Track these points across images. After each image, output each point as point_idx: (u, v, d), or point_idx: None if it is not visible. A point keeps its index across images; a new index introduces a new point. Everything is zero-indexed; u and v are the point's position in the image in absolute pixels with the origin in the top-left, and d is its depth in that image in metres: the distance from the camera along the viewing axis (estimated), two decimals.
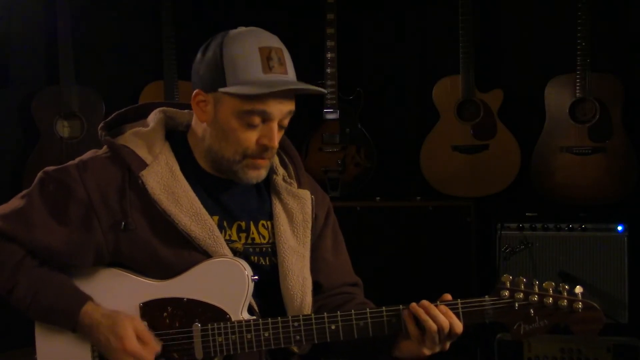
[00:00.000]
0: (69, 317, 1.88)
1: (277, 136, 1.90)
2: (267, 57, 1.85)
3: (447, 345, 1.85)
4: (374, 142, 4.14)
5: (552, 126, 3.89)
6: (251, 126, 1.88)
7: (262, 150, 1.90)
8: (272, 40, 1.89)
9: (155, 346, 1.87)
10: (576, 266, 3.61)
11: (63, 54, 4.04)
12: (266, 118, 1.88)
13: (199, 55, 1.94)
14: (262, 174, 1.95)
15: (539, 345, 3.44)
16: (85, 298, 1.90)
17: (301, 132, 4.09)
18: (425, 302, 1.83)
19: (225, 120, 1.89)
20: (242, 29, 1.92)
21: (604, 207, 3.80)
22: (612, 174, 3.79)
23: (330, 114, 4.14)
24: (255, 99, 1.84)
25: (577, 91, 3.80)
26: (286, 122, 1.93)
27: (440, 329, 1.80)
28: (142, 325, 1.88)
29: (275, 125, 1.89)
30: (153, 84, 4.20)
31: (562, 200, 3.87)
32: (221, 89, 1.86)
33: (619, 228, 3.58)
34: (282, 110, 1.88)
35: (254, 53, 1.85)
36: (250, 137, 1.89)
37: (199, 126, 1.96)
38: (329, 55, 4.10)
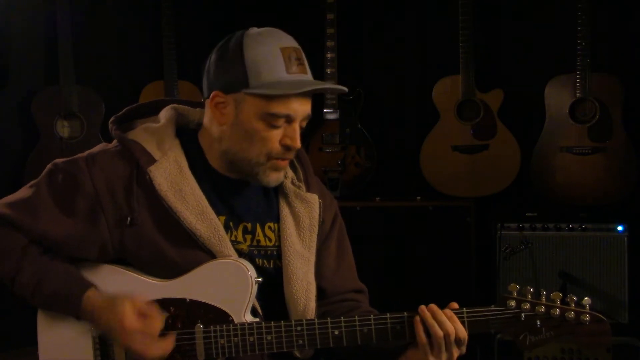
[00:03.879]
0: (72, 303, 1.87)
1: (298, 138, 1.91)
2: (288, 57, 1.86)
3: (455, 355, 1.83)
4: (374, 142, 4.15)
5: (552, 126, 3.90)
6: (274, 127, 1.87)
7: (285, 150, 1.90)
8: (291, 41, 1.90)
9: (159, 318, 1.85)
10: (576, 266, 3.61)
11: (63, 54, 4.04)
12: (289, 119, 1.88)
13: (214, 56, 1.92)
14: (282, 176, 1.96)
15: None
16: (88, 284, 1.89)
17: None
18: (433, 306, 1.82)
19: (248, 121, 1.88)
20: (259, 29, 1.91)
21: (604, 207, 3.81)
22: (612, 174, 3.79)
23: (330, 114, 4.15)
24: (279, 101, 1.84)
25: (577, 91, 3.80)
26: (304, 124, 1.94)
27: (446, 334, 1.79)
28: (141, 301, 1.86)
29: (297, 126, 1.90)
30: (153, 84, 4.20)
31: (562, 200, 3.87)
32: (245, 90, 1.85)
33: (619, 228, 3.58)
34: (304, 111, 1.89)
35: (277, 53, 1.85)
36: (274, 138, 1.88)
37: (215, 127, 1.94)
38: (329, 55, 4.10)
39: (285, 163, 1.94)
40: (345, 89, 1.96)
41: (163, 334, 1.86)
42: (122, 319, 1.82)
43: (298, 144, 1.91)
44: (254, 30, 1.90)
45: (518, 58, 4.17)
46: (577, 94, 3.81)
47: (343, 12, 4.16)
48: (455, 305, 1.84)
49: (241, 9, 4.33)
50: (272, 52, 1.85)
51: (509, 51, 4.19)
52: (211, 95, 1.91)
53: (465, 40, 3.96)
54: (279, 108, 1.85)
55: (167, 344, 1.86)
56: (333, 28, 4.11)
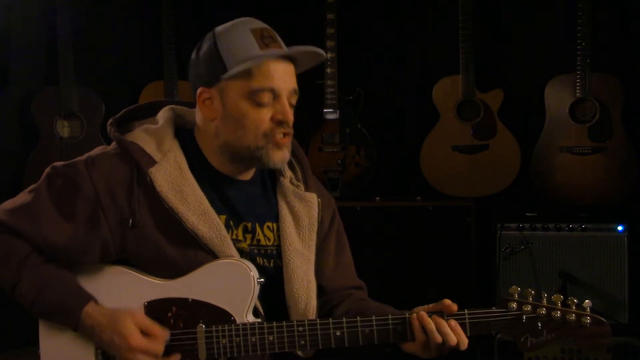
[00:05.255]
0: (71, 316, 1.88)
1: (289, 111, 1.91)
2: (260, 37, 1.88)
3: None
4: (374, 142, 4.15)
5: (552, 126, 3.90)
6: (261, 105, 1.88)
7: (278, 125, 1.90)
8: (262, 24, 1.93)
9: (162, 335, 1.86)
10: (576, 266, 3.61)
11: (63, 54, 4.04)
12: (275, 94, 1.89)
13: (193, 56, 1.96)
14: (286, 154, 1.95)
15: None
16: (88, 298, 1.89)
17: (301, 132, 4.07)
18: (436, 317, 1.82)
19: (234, 106, 1.89)
20: (229, 22, 1.95)
21: (604, 207, 3.81)
22: (612, 174, 3.79)
23: (330, 114, 4.15)
24: (260, 75, 1.86)
25: (577, 91, 3.81)
26: (294, 100, 1.94)
27: (445, 342, 1.80)
28: (144, 318, 1.87)
29: (285, 100, 1.90)
30: (153, 84, 4.20)
31: (562, 200, 3.87)
32: (223, 76, 1.88)
33: (619, 228, 3.58)
34: (287, 85, 1.90)
35: (247, 35, 1.88)
36: (264, 116, 1.89)
37: (209, 124, 1.96)
38: (329, 55, 4.10)
39: (286, 140, 1.93)
40: (324, 53, 1.96)
41: (167, 352, 1.87)
42: (128, 338, 1.83)
43: (290, 117, 1.91)
44: (224, 24, 1.94)
45: (518, 58, 4.17)
46: (577, 94, 3.81)
47: (343, 12, 4.16)
48: (454, 307, 1.84)
49: (241, 9, 4.30)
50: (243, 36, 1.88)
51: (509, 51, 4.19)
52: (197, 93, 1.93)
53: (465, 40, 3.97)
54: (260, 82, 1.87)
55: None
56: (333, 28, 4.11)
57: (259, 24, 1.92)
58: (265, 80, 1.87)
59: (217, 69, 1.89)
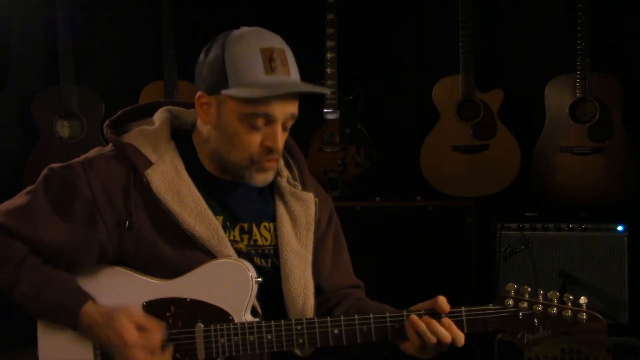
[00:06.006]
0: (69, 315, 1.88)
1: (280, 138, 1.89)
2: (269, 59, 1.83)
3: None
4: (374, 142, 4.15)
5: (552, 126, 3.90)
6: (254, 128, 1.86)
7: (266, 152, 1.88)
8: (274, 41, 1.87)
9: (158, 329, 1.86)
10: (576, 266, 3.61)
11: (63, 54, 4.04)
12: (269, 120, 1.86)
13: (201, 56, 1.93)
14: (269, 176, 1.94)
15: (540, 345, 3.42)
16: (86, 297, 1.89)
17: (301, 132, 4.08)
18: (426, 318, 1.82)
19: (229, 123, 1.88)
20: (244, 29, 1.90)
21: (604, 207, 3.81)
22: (612, 174, 3.79)
23: (330, 114, 4.15)
24: (257, 101, 1.83)
25: (577, 91, 3.80)
26: (289, 124, 1.91)
27: (439, 342, 1.80)
28: (139, 314, 1.87)
29: (278, 127, 1.87)
30: (153, 84, 4.20)
31: (562, 200, 3.87)
32: (223, 91, 1.85)
33: (619, 228, 3.58)
34: (284, 112, 1.87)
35: (256, 54, 1.83)
36: (254, 140, 1.87)
37: (204, 128, 1.95)
38: (329, 55, 4.10)
39: (272, 164, 1.92)
40: (328, 90, 1.94)
41: (163, 345, 1.87)
42: (123, 334, 1.83)
43: (279, 145, 1.88)
44: (238, 30, 1.89)
45: (518, 58, 4.17)
46: (577, 94, 3.81)
47: (343, 12, 4.16)
48: (446, 308, 1.83)
49: (241, 8, 4.33)
50: (251, 53, 1.83)
51: (509, 51, 4.19)
52: (196, 95, 1.92)
53: (465, 40, 3.96)
54: (256, 108, 1.83)
55: (167, 356, 1.87)
56: (333, 28, 4.11)
57: (270, 42, 1.86)
58: (261, 107, 1.83)
59: (219, 81, 1.85)
